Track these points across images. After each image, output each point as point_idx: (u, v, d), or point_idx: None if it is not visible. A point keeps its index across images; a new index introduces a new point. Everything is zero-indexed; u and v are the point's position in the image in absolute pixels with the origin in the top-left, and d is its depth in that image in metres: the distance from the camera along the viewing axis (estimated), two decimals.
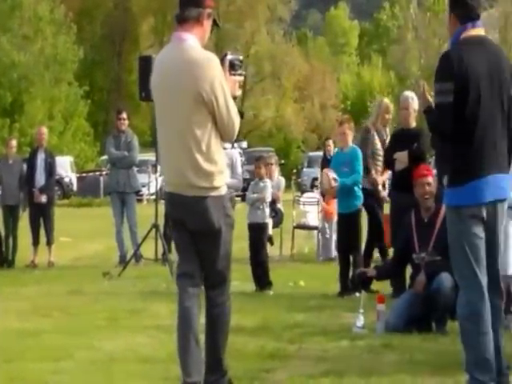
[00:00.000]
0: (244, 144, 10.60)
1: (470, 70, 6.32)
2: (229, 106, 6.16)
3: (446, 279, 9.03)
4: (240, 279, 13.25)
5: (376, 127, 12.83)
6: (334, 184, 11.95)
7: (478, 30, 6.51)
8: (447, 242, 9.27)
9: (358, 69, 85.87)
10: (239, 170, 12.73)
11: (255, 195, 13.31)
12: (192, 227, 6.26)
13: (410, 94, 11.99)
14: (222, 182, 6.26)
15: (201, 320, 6.31)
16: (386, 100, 13.49)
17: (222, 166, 6.30)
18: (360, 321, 9.23)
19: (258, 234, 13.25)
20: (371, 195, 12.56)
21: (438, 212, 9.39)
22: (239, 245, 14.40)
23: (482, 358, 6.34)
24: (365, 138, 12.83)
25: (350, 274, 11.73)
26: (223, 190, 6.26)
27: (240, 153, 25.92)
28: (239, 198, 18.99)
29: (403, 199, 10.47)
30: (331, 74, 73.76)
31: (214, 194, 6.17)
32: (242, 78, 6.54)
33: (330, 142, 20.26)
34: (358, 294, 9.80)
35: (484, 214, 6.39)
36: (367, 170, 12.49)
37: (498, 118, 6.44)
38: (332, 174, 11.97)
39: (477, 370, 6.32)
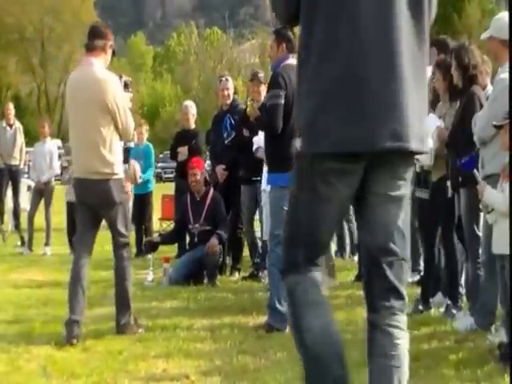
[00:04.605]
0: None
1: (292, 87, 6.46)
2: (126, 114, 6.42)
3: (215, 244, 9.12)
4: (58, 244, 12.96)
5: None
6: (138, 180, 11.92)
7: (293, 60, 6.67)
8: (215, 215, 9.47)
9: (152, 83, 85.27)
10: (55, 162, 13.04)
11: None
12: (97, 202, 6.44)
13: (189, 102, 11.95)
14: (120, 168, 6.45)
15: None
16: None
17: (120, 157, 6.48)
18: (150, 276, 9.17)
19: (74, 209, 13.19)
20: None
21: (208, 193, 9.51)
22: (60, 217, 14.06)
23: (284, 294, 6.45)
24: None
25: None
26: (121, 174, 6.46)
27: (59, 146, 25.35)
28: (59, 181, 18.52)
29: (184, 183, 10.44)
30: (132, 87, 72.92)
31: (115, 177, 6.39)
32: (131, 94, 6.85)
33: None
34: (149, 256, 9.71)
35: None
36: None
37: None
38: (138, 170, 11.92)
39: (279, 304, 6.46)
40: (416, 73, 3.15)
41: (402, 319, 3.26)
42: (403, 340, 3.26)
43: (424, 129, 3.21)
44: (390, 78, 3.08)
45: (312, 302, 3.25)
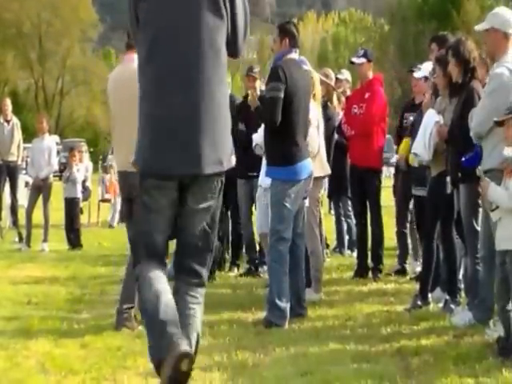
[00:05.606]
0: None
1: (293, 82, 6.59)
2: None
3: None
4: (56, 240, 12.97)
5: None
6: None
7: (295, 55, 6.82)
8: None
9: None
10: (54, 158, 12.99)
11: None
12: (134, 196, 6.30)
13: None
14: None
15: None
16: None
17: None
18: None
19: (72, 206, 13.29)
20: None
21: None
22: (58, 214, 14.06)
23: (284, 290, 6.52)
24: None
25: None
26: None
27: (57, 142, 25.44)
28: (57, 178, 18.56)
29: None
30: None
31: None
32: None
33: None
34: None
35: (303, 187, 6.69)
36: None
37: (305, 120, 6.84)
38: None
39: (278, 299, 6.48)
40: (214, 108, 4.02)
41: (199, 292, 4.18)
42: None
43: (223, 151, 4.06)
44: (188, 119, 3.96)
45: (149, 283, 4.00)
